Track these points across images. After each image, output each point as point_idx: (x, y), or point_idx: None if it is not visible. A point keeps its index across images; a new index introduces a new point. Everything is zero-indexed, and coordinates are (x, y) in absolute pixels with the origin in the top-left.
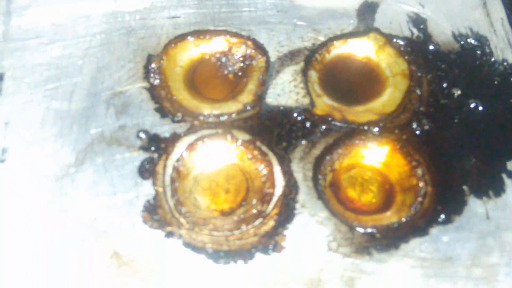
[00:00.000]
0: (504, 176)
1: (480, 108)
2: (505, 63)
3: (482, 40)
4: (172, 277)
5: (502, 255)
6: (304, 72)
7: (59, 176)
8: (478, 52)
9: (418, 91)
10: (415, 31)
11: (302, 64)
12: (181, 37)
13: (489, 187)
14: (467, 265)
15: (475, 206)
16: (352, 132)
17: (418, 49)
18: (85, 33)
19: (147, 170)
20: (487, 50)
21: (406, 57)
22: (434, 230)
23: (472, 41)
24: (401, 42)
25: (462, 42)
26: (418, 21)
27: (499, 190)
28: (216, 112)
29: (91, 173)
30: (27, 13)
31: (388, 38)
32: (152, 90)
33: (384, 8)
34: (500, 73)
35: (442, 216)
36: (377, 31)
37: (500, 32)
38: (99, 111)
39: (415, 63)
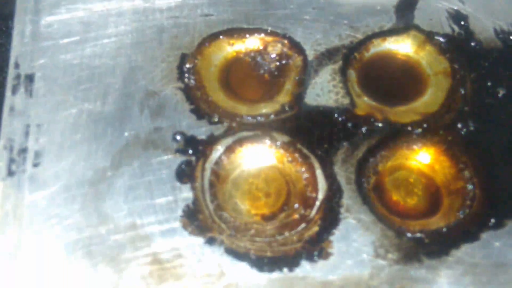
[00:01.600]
0: None
1: None
2: None
3: None
4: (215, 284)
5: None
6: (343, 71)
7: (95, 180)
8: None
9: (461, 90)
10: (456, 28)
11: (340, 63)
12: (215, 36)
13: None
14: None
15: None
16: (395, 133)
17: (459, 47)
18: (116, 31)
19: (185, 174)
20: None
21: (448, 55)
22: (485, 235)
23: None
24: (442, 40)
25: (504, 39)
26: (458, 18)
27: None
28: (254, 113)
29: (128, 177)
30: (57, 12)
31: (429, 36)
32: (187, 91)
33: (424, 4)
34: None
35: (493, 220)
36: (417, 28)
37: None
38: (133, 113)
39: (457, 61)
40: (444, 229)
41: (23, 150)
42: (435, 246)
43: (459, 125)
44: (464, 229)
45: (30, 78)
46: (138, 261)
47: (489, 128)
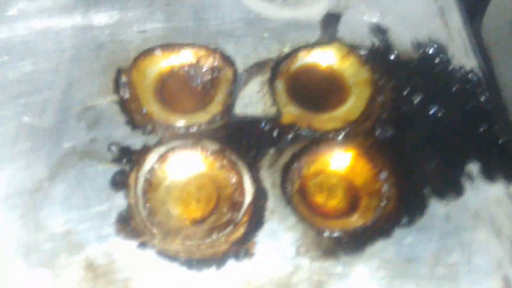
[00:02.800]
0: (463, 178)
1: (440, 113)
2: (462, 70)
3: (440, 49)
4: (147, 286)
5: (462, 254)
6: (271, 83)
7: (33, 190)
8: (437, 60)
9: (380, 99)
10: (377, 41)
11: (268, 74)
12: (150, 51)
13: (449, 189)
14: (429, 265)
15: (436, 208)
16: (318, 140)
17: (379, 58)
18: (55, 48)
19: (119, 182)
20: (445, 58)
21: (368, 66)
22: (397, 232)
23: (430, 49)
24: (363, 52)
25: (421, 51)
26: (379, 31)
27: (458, 192)
28: (186, 123)
29: (64, 187)
30: None
31: (351, 48)
32: (122, 104)
33: (346, 19)
34: (458, 80)
35: (405, 218)
36: (340, 41)
37: (457, 40)
38: (71, 126)
39: (377, 72)
40: (361, 228)
41: None
42: (352, 244)
43: (377, 131)
44: (379, 227)
45: None
46: (73, 266)
47: (405, 134)
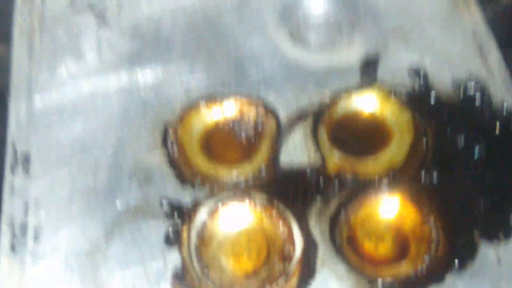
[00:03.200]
0: None
1: (484, 153)
2: (505, 107)
3: (481, 87)
4: None
5: None
6: (314, 131)
7: (90, 251)
8: (479, 98)
9: (423, 142)
10: (417, 83)
11: (311, 123)
12: (194, 105)
13: (499, 231)
14: None
15: (487, 251)
16: (364, 187)
17: (420, 100)
18: (104, 109)
19: (172, 238)
20: (487, 96)
21: (410, 109)
22: (449, 278)
23: (472, 88)
24: (404, 94)
25: (462, 90)
26: (419, 73)
27: (509, 233)
28: (233, 176)
29: (120, 245)
30: (48, 92)
31: (391, 91)
32: (170, 159)
33: (386, 61)
34: (502, 117)
35: (456, 263)
36: (380, 84)
37: (498, 76)
38: (123, 184)
39: (418, 114)
40: (412, 274)
41: (23, 226)
42: None
43: (422, 175)
44: (430, 273)
45: (26, 157)
46: None
47: (450, 176)
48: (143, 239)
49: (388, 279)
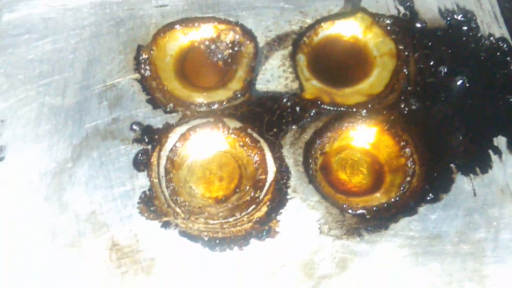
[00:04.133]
0: (490, 152)
1: (467, 84)
2: (491, 38)
3: (468, 16)
4: (171, 265)
5: (488, 230)
6: (293, 56)
7: (57, 171)
8: (465, 28)
9: (405, 71)
10: (402, 9)
11: (290, 48)
12: (170, 26)
13: (476, 164)
14: (454, 242)
15: (462, 183)
16: (341, 115)
17: (404, 28)
18: (75, 25)
19: (141, 162)
20: (474, 26)
21: (393, 36)
22: (422, 209)
23: (458, 17)
24: (388, 21)
25: (448, 19)
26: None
27: (485, 166)
28: (207, 101)
29: (87, 168)
30: (16, 8)
31: (375, 18)
32: (143, 82)
33: None
34: (487, 48)
35: (430, 194)
36: (364, 11)
37: (486, 6)
38: (92, 105)
39: (402, 42)
40: (385, 205)
41: None
42: (376, 221)
43: (402, 105)
44: (404, 204)
45: None
46: (98, 246)
47: (430, 107)
48: (111, 163)
49: (359, 210)
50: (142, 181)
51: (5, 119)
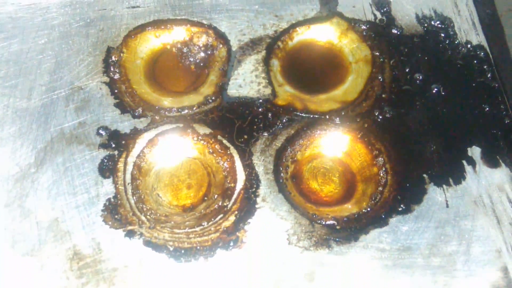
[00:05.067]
0: (464, 162)
1: (443, 93)
2: (468, 45)
3: (446, 22)
4: (134, 276)
5: (460, 243)
6: (266, 61)
7: (19, 177)
8: (442, 34)
9: (380, 78)
10: (378, 15)
11: (264, 52)
12: (141, 28)
13: (449, 174)
14: (425, 254)
15: (435, 194)
16: (314, 122)
17: (381, 34)
18: (44, 25)
19: (107, 168)
20: (451, 32)
21: (369, 42)
22: (394, 220)
23: (435, 23)
24: (364, 27)
25: (425, 25)
26: (381, 4)
27: (459, 177)
28: (177, 105)
29: (51, 173)
30: None
31: (351, 23)
32: (112, 85)
33: None
34: (464, 56)
35: (402, 205)
36: (340, 15)
37: (464, 13)
38: (59, 108)
39: (378, 48)
40: (355, 215)
41: None
42: (346, 232)
43: (376, 113)
44: (375, 215)
45: None
46: (60, 255)
47: (405, 115)
48: (76, 168)
49: (330, 220)
50: (107, 188)
51: None
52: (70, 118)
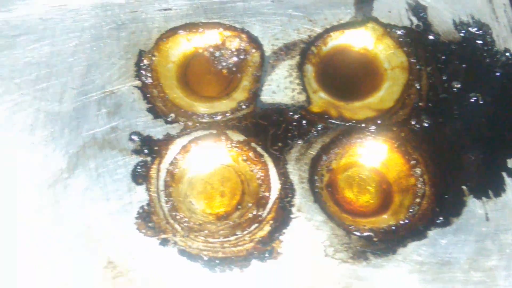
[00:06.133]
0: (504, 174)
1: (481, 102)
2: (507, 53)
3: (483, 29)
4: (168, 286)
5: (501, 257)
6: (300, 67)
7: (51, 182)
8: (480, 42)
9: (417, 85)
10: (415, 20)
11: (298, 58)
12: (173, 31)
13: (489, 186)
14: (465, 269)
15: (474, 207)
16: (349, 130)
17: (417, 40)
18: (74, 28)
19: (140, 175)
20: (489, 40)
21: (405, 49)
22: (432, 233)
23: (473, 30)
24: (400, 32)
25: (463, 31)
26: (418, 10)
27: (499, 189)
28: (210, 111)
29: (84, 179)
30: (14, 8)
31: (387, 28)
32: (144, 89)
33: None
34: (502, 64)
35: (441, 218)
36: (375, 21)
37: (503, 20)
38: (90, 112)
39: (414, 55)
40: (393, 227)
41: None
42: (383, 245)
43: (413, 122)
44: (412, 227)
45: None
46: (93, 263)
47: (442, 124)
48: (108, 174)
49: (367, 232)
50: (140, 195)
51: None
52: (102, 123)
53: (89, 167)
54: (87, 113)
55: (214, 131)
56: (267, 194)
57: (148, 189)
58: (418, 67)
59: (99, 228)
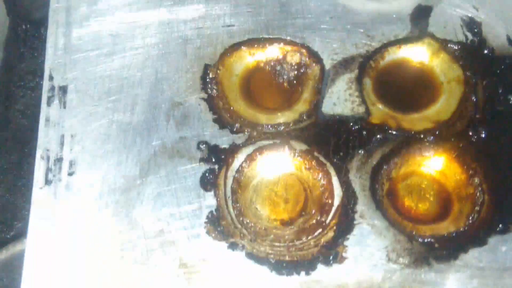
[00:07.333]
0: None
1: None
2: None
3: None
4: (237, 287)
5: None
6: (359, 80)
7: (125, 188)
8: None
9: (473, 98)
10: (470, 35)
11: (356, 71)
12: (236, 46)
13: None
14: None
15: None
16: (408, 141)
17: (472, 54)
18: (143, 43)
19: (208, 182)
20: None
21: (461, 63)
22: (492, 240)
23: None
24: (456, 47)
25: None
26: (472, 25)
27: None
28: (273, 122)
29: (155, 185)
30: (87, 24)
31: (443, 43)
32: (210, 101)
33: (438, 12)
34: None
35: (500, 225)
36: (431, 36)
37: None
38: (160, 123)
39: (470, 69)
40: (454, 234)
41: (59, 160)
42: (445, 251)
43: (470, 132)
44: (473, 234)
45: (63, 90)
46: (167, 265)
47: (500, 135)
48: (178, 181)
49: (428, 238)
50: (209, 200)
51: (75, 134)
52: (171, 133)
53: (160, 175)
54: (157, 124)
55: (278, 141)
56: (329, 201)
57: (216, 196)
58: (473, 80)
59: (171, 232)
